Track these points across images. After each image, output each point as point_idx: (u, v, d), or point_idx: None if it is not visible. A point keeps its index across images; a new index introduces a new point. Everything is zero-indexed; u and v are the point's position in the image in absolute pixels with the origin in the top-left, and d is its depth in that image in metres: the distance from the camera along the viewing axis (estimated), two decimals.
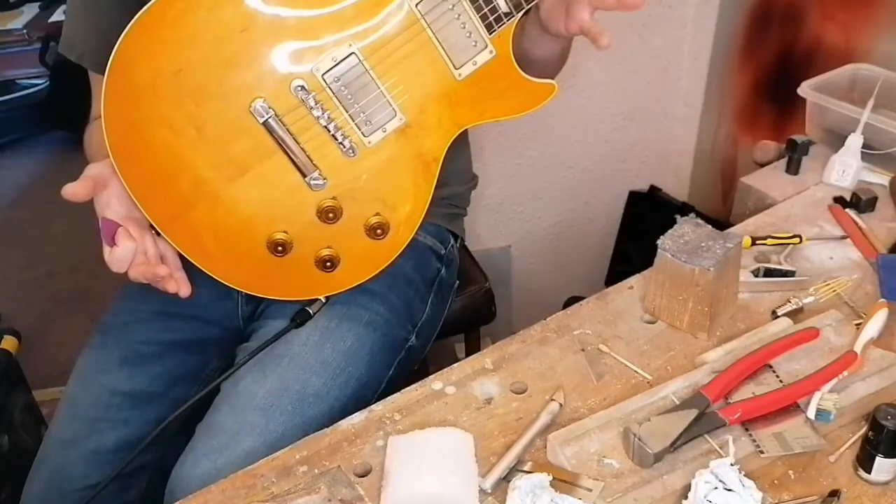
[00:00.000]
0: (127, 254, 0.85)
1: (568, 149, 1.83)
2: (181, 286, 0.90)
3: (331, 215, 0.89)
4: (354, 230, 0.90)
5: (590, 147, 1.85)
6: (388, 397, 0.84)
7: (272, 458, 0.78)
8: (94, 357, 1.01)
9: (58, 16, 3.14)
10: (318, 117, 0.85)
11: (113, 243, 0.85)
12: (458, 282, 1.21)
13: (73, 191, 0.83)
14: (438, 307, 1.12)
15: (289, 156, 0.86)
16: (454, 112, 0.89)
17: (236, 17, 0.81)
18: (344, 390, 0.92)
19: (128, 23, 0.96)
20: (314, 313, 0.94)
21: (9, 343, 1.55)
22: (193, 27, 0.81)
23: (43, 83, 3.08)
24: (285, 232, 0.89)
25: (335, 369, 0.93)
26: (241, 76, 0.83)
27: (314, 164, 0.87)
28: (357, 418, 0.82)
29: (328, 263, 0.91)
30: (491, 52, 0.87)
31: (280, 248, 0.89)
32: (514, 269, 1.94)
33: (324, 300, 0.95)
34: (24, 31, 3.09)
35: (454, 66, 0.87)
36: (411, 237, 0.92)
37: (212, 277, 0.91)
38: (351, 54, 0.84)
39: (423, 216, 0.91)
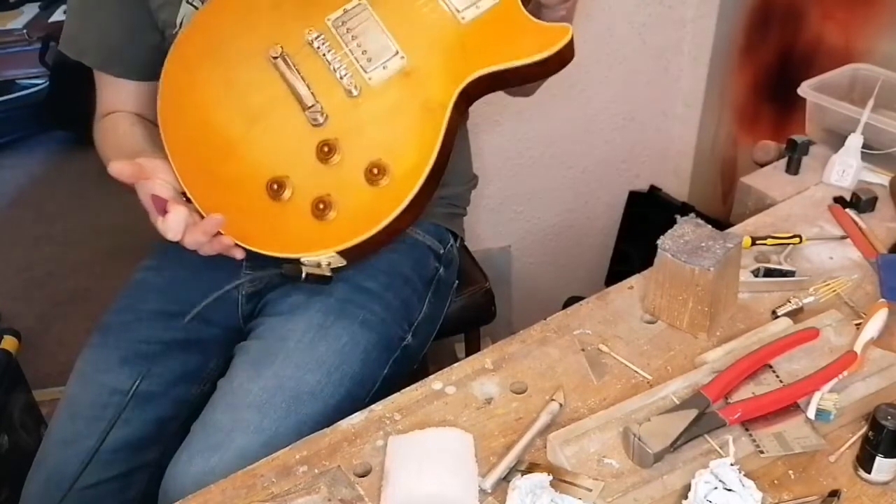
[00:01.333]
0: (180, 217, 0.86)
1: (568, 149, 1.83)
2: (235, 249, 0.89)
3: (326, 149, 0.88)
4: (353, 176, 0.88)
5: (590, 147, 1.85)
6: (388, 397, 0.84)
7: (272, 458, 0.78)
8: (94, 356, 1.01)
9: (58, 16, 3.14)
10: (323, 55, 0.90)
11: (164, 212, 0.86)
12: (457, 282, 1.21)
13: (119, 167, 0.86)
14: (436, 306, 1.12)
15: (294, 92, 0.89)
16: (460, 58, 0.88)
17: None
18: (338, 388, 0.93)
19: (128, 19, 0.98)
20: (307, 275, 0.87)
21: (9, 343, 1.55)
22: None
23: (43, 83, 3.08)
24: (286, 176, 0.89)
25: (329, 367, 0.93)
26: (265, 31, 0.91)
27: (315, 98, 0.89)
28: (357, 418, 0.82)
29: (321, 205, 0.88)
30: None
31: (276, 187, 0.89)
32: (514, 269, 1.94)
33: (325, 268, 0.88)
34: (24, 31, 3.09)
35: (457, 9, 0.88)
36: (414, 192, 0.88)
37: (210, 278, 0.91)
38: (359, 3, 0.91)
39: (427, 169, 0.88)
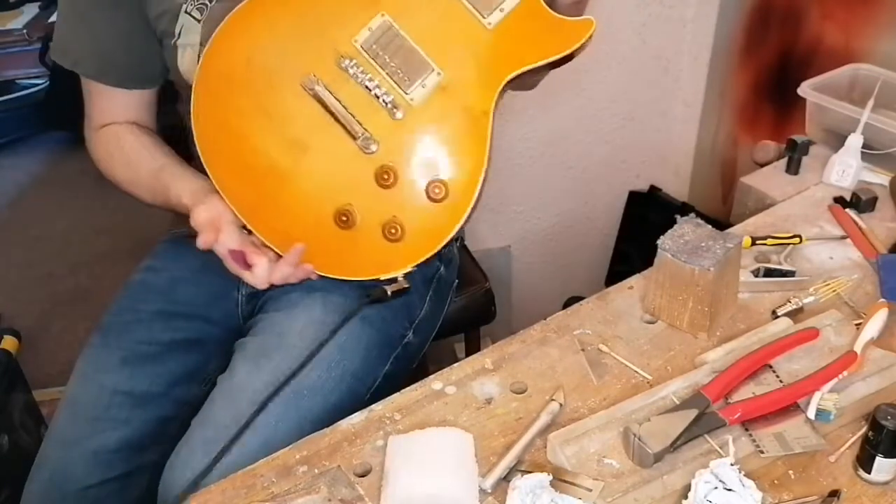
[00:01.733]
0: (266, 266, 0.89)
1: (568, 149, 1.83)
2: (313, 270, 0.92)
3: (386, 177, 0.90)
4: (414, 195, 0.91)
5: (590, 147, 1.85)
6: (388, 397, 0.84)
7: (272, 458, 0.78)
8: (95, 357, 1.01)
9: None
10: (360, 81, 0.90)
11: (248, 266, 0.90)
12: (457, 281, 1.22)
13: (206, 239, 0.89)
14: (437, 305, 1.12)
15: (339, 122, 0.90)
16: (493, 62, 0.90)
17: (292, 11, 0.91)
18: (339, 384, 0.93)
19: (122, 27, 0.97)
20: (391, 294, 0.92)
21: (9, 343, 1.55)
22: (260, 24, 0.91)
23: (43, 83, 3.08)
24: (350, 203, 0.91)
25: (330, 363, 0.93)
26: (297, 59, 0.91)
27: (363, 128, 0.90)
28: (357, 418, 0.82)
29: (393, 230, 0.91)
30: None
31: (345, 219, 0.91)
32: (514, 269, 1.94)
33: (403, 280, 0.92)
34: (24, 31, 3.09)
35: (482, 15, 0.89)
36: (473, 201, 0.92)
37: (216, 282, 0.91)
38: (384, 20, 0.90)
39: (482, 177, 0.91)
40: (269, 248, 0.92)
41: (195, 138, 0.92)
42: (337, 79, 0.90)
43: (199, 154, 0.92)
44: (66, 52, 1.00)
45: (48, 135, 3.14)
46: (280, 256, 0.91)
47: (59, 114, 2.95)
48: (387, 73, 0.90)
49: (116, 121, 1.04)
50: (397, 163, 0.91)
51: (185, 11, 0.95)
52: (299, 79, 0.90)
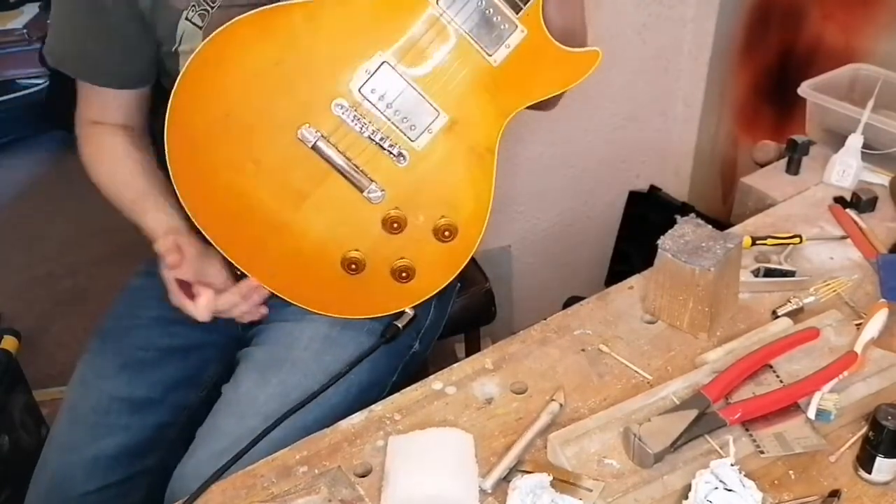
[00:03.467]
0: (210, 300, 0.89)
1: (568, 149, 1.83)
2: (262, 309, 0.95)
3: (395, 225, 0.88)
4: (423, 237, 0.90)
5: (590, 147, 1.85)
6: (388, 397, 0.84)
7: (272, 459, 0.78)
8: (94, 362, 1.00)
9: None
10: (362, 131, 0.86)
11: (192, 297, 0.90)
12: (459, 284, 1.21)
13: (171, 261, 0.87)
14: (441, 311, 1.12)
15: (343, 174, 0.87)
16: (498, 100, 0.87)
17: (269, 52, 0.84)
18: (346, 397, 0.92)
19: (107, 28, 0.95)
20: (403, 327, 0.93)
21: (9, 343, 1.55)
22: (233, 69, 0.85)
23: (43, 83, 3.08)
24: (356, 250, 0.89)
25: (337, 376, 0.93)
26: (285, 106, 0.86)
27: (369, 178, 0.87)
28: (357, 418, 0.82)
29: (404, 274, 0.90)
30: (522, 31, 0.85)
31: (354, 267, 0.89)
32: (514, 269, 1.94)
33: (410, 312, 0.93)
34: (24, 31, 3.08)
35: (487, 53, 0.85)
36: (481, 235, 0.91)
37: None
38: (383, 63, 0.85)
39: (488, 212, 0.90)
40: (264, 288, 0.92)
41: (177, 193, 0.88)
42: (337, 129, 0.86)
43: (184, 206, 0.88)
44: (58, 55, 0.99)
45: (48, 135, 3.14)
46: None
47: (59, 114, 2.94)
48: (392, 122, 0.86)
49: (108, 120, 1.02)
50: (405, 208, 0.88)
51: (186, 18, 0.92)
52: (293, 130, 0.85)
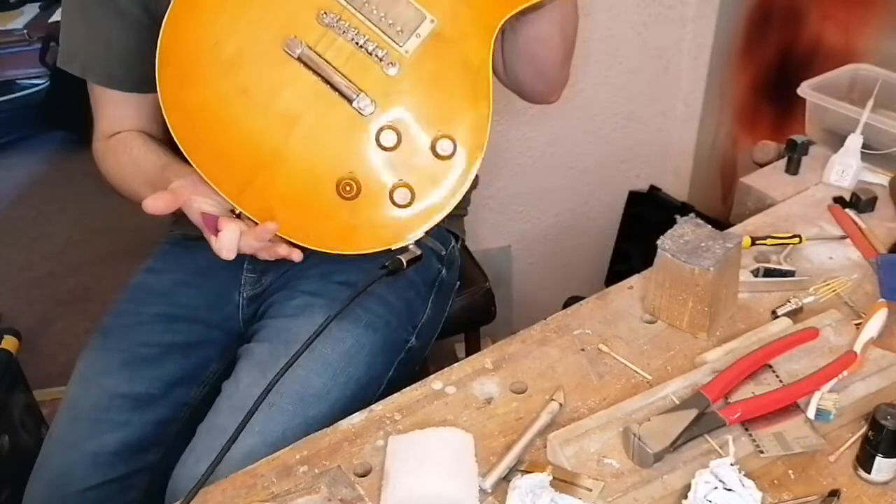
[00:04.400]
0: (233, 235, 0.84)
1: (568, 149, 1.83)
2: (293, 251, 0.88)
3: (389, 139, 0.85)
4: (421, 154, 0.86)
5: (590, 147, 1.85)
6: (388, 397, 0.84)
7: (272, 458, 0.78)
8: (95, 359, 1.01)
9: (58, 16, 3.12)
10: (347, 37, 0.84)
11: (216, 231, 0.84)
12: (458, 282, 1.21)
13: (155, 204, 0.83)
14: (439, 308, 1.12)
15: (332, 86, 0.85)
16: (485, 7, 0.85)
17: None
18: (344, 391, 0.93)
19: (131, 31, 0.94)
20: (407, 263, 0.86)
21: (9, 343, 1.55)
22: None
23: (43, 83, 3.08)
24: (351, 172, 0.86)
25: (335, 370, 0.93)
26: (270, 26, 0.84)
27: (357, 87, 0.85)
28: (357, 418, 0.82)
29: (402, 196, 0.86)
30: None
31: (349, 189, 0.86)
32: (514, 269, 1.94)
33: (416, 250, 0.87)
34: (24, 31, 3.09)
35: None
36: (482, 152, 0.87)
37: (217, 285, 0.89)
38: None
39: (488, 128, 0.87)
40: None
41: (171, 131, 0.87)
42: (322, 37, 0.84)
43: (179, 145, 0.87)
44: (73, 59, 0.98)
45: (48, 135, 3.14)
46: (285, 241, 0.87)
47: (59, 114, 2.96)
48: (376, 26, 0.84)
49: (127, 129, 1.02)
50: (398, 122, 0.86)
51: None
52: (279, 45, 0.84)
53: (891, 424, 0.69)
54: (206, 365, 1.05)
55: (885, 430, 0.69)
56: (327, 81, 0.85)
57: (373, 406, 0.83)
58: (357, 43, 0.85)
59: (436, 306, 1.10)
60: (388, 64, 0.85)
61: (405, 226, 0.88)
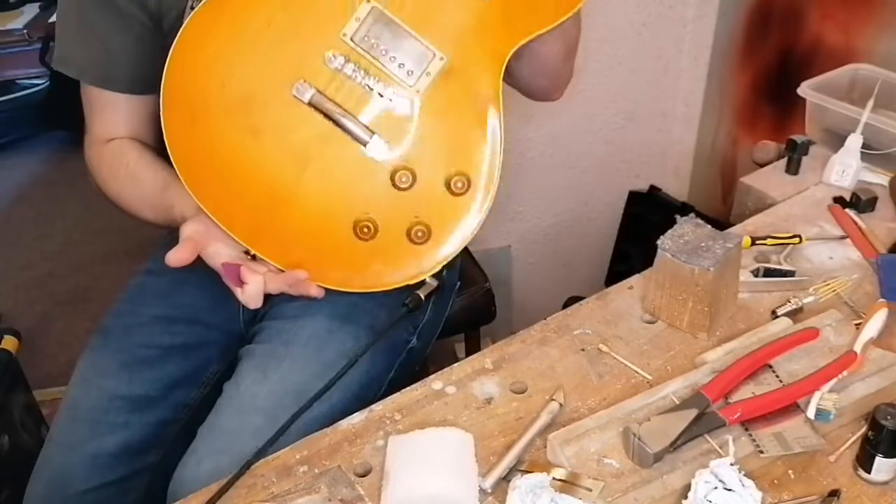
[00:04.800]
0: (258, 286, 0.85)
1: (568, 149, 1.83)
2: (312, 288, 0.88)
3: (404, 180, 0.85)
4: (436, 192, 0.86)
5: (590, 147, 1.85)
6: (388, 397, 0.84)
7: (272, 458, 0.78)
8: (95, 360, 1.01)
9: None
10: (357, 80, 0.84)
11: (241, 283, 0.85)
12: (458, 283, 1.21)
13: (177, 257, 0.85)
14: (439, 309, 1.12)
15: (343, 129, 0.84)
16: (493, 39, 0.85)
17: (260, 14, 0.83)
18: (345, 392, 0.92)
19: (127, 32, 0.93)
20: (426, 297, 0.88)
21: (9, 343, 1.55)
22: (224, 36, 0.83)
23: (43, 83, 3.08)
24: (367, 212, 0.86)
25: (336, 371, 0.93)
26: (279, 67, 0.84)
27: (370, 130, 0.84)
28: (357, 418, 0.82)
29: (419, 234, 0.86)
30: None
31: (366, 230, 0.86)
32: (514, 269, 1.94)
33: (433, 281, 0.88)
34: (24, 31, 3.09)
35: None
36: (496, 186, 0.87)
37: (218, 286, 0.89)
38: (372, 8, 0.83)
39: (501, 159, 0.86)
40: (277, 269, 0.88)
41: (177, 171, 0.86)
42: (332, 81, 0.84)
43: (186, 186, 0.86)
44: (70, 62, 0.97)
45: (48, 135, 3.14)
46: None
47: (60, 114, 2.96)
48: (385, 66, 0.84)
49: (119, 134, 1.01)
50: (413, 162, 0.85)
51: (191, 6, 0.92)
52: (288, 90, 0.83)
53: (891, 424, 0.69)
54: (207, 366, 1.05)
55: (885, 430, 0.69)
56: (339, 125, 0.84)
57: (373, 406, 0.83)
58: (367, 85, 0.84)
59: (436, 307, 1.10)
60: (400, 104, 0.85)
61: (424, 261, 0.88)
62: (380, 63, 0.84)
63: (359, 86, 0.84)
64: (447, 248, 0.88)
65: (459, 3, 0.84)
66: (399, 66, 0.84)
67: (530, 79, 1.02)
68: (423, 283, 0.89)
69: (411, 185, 0.86)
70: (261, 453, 0.78)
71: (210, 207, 0.86)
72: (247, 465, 0.77)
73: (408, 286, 0.89)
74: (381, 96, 0.85)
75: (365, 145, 0.85)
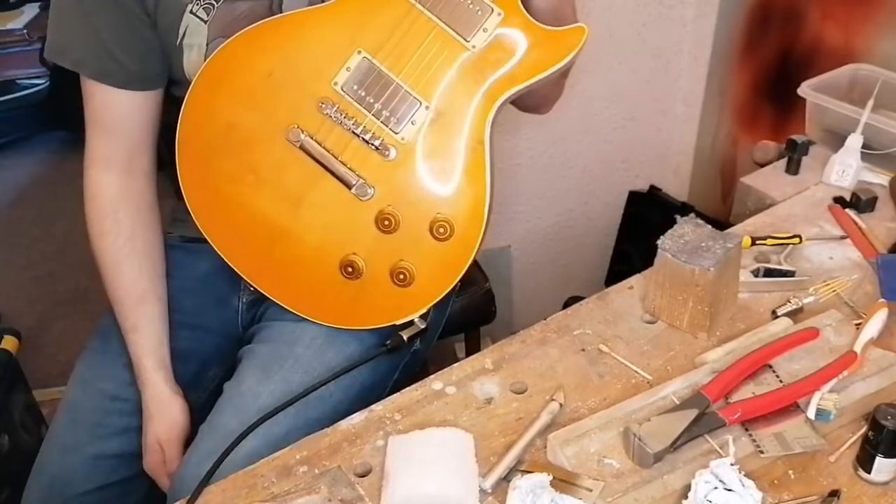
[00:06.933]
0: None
1: (568, 149, 1.83)
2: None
3: (387, 223, 0.88)
4: (419, 236, 0.88)
5: (590, 147, 1.85)
6: (388, 397, 0.84)
7: (272, 458, 0.78)
8: (94, 362, 1.00)
9: None
10: (345, 127, 0.87)
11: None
12: (459, 283, 1.21)
13: (149, 462, 0.97)
14: (441, 312, 1.12)
15: (331, 172, 0.88)
16: (483, 87, 0.85)
17: (262, 66, 0.89)
18: (347, 394, 0.92)
19: (124, 25, 0.93)
20: (407, 338, 0.90)
21: (9, 343, 1.55)
22: (231, 85, 0.90)
23: (43, 83, 3.08)
24: (354, 253, 0.89)
25: (335, 374, 0.93)
26: (276, 114, 0.89)
27: (356, 174, 0.87)
28: (357, 418, 0.82)
29: (402, 277, 0.88)
30: (499, 14, 0.84)
31: (351, 270, 0.89)
32: (514, 269, 1.94)
33: (421, 323, 0.90)
34: (25, 31, 3.08)
35: (464, 39, 0.84)
36: (481, 235, 0.89)
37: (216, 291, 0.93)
38: (362, 58, 0.87)
39: (486, 208, 0.88)
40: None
41: (188, 208, 0.92)
42: (321, 127, 0.88)
43: (195, 220, 0.92)
44: (65, 52, 0.94)
45: (48, 135, 3.14)
46: None
47: (60, 114, 2.95)
48: (373, 115, 0.87)
49: (117, 152, 0.97)
50: (396, 206, 0.88)
51: (191, 12, 0.91)
52: (283, 133, 0.88)
53: (891, 424, 0.69)
54: (205, 370, 1.05)
55: (885, 430, 0.69)
56: (327, 169, 0.88)
57: (373, 406, 0.83)
58: (355, 132, 0.87)
59: (438, 309, 1.10)
60: (386, 151, 0.87)
61: (405, 304, 0.90)
62: (365, 111, 0.87)
63: (347, 132, 0.88)
64: (431, 293, 0.89)
65: (446, 53, 0.85)
66: (385, 115, 0.87)
67: (518, 101, 1.02)
68: (410, 322, 0.91)
69: (395, 229, 0.88)
70: (252, 428, 0.82)
71: (217, 244, 0.92)
72: (240, 438, 0.81)
73: (394, 326, 0.91)
74: (367, 143, 0.87)
75: (350, 188, 0.88)
